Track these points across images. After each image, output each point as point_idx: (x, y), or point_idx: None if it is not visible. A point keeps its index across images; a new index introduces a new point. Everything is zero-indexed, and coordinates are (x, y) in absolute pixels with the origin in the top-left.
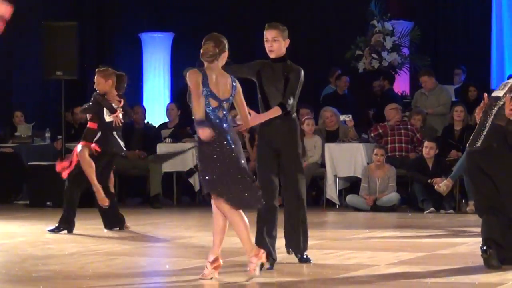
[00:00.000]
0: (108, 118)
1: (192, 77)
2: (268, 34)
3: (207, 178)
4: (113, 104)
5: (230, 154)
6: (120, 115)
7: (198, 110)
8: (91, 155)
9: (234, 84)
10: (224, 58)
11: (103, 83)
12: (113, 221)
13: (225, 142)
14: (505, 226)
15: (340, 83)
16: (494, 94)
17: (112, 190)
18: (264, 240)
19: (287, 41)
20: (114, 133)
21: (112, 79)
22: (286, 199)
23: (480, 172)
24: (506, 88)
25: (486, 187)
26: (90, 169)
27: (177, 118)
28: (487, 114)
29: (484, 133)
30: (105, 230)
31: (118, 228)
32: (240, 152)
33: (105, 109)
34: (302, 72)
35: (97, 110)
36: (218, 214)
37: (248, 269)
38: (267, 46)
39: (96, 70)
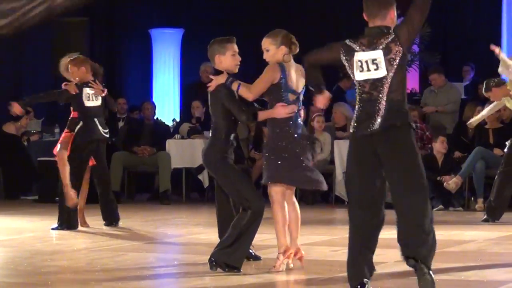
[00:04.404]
0: (88, 103)
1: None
2: None
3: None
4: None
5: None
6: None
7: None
8: (79, 146)
9: None
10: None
11: (75, 72)
12: (110, 216)
13: (295, 135)
14: None
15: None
16: None
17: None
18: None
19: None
20: (96, 120)
21: (85, 66)
22: None
23: None
24: None
25: None
26: (64, 168)
27: (203, 115)
28: None
29: None
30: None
31: (114, 224)
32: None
33: (84, 95)
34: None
35: (75, 98)
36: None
37: (274, 265)
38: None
39: (68, 60)
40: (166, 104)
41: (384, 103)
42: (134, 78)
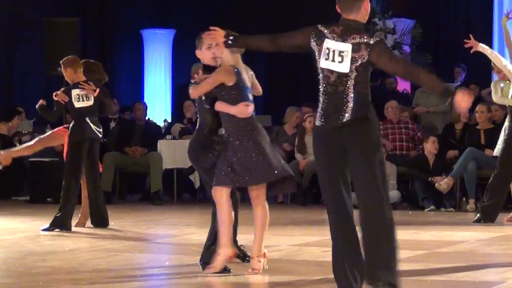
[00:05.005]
0: (77, 104)
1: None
2: None
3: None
4: (79, 91)
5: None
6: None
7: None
8: (75, 145)
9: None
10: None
11: (64, 73)
12: (98, 219)
13: (255, 132)
14: None
15: None
16: None
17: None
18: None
19: None
20: (87, 119)
21: (71, 68)
22: None
23: None
24: None
25: None
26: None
27: (195, 116)
28: None
29: None
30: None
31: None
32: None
33: (73, 96)
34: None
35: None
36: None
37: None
38: None
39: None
40: (158, 105)
41: (352, 95)
42: (126, 79)
